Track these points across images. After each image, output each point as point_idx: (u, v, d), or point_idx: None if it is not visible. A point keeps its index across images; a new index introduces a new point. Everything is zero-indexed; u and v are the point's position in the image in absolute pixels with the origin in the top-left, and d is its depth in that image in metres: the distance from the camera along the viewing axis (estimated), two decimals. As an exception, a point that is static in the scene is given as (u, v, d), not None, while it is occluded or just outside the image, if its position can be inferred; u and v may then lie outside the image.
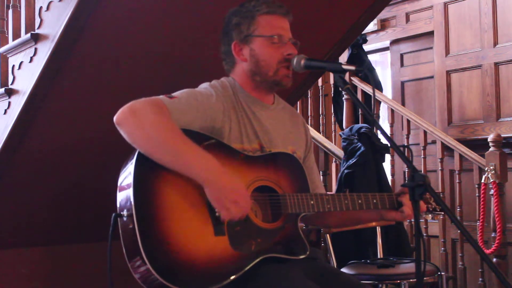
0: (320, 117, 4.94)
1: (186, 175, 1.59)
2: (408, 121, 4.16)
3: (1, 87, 2.45)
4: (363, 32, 4.42)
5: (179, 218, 1.58)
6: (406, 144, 4.12)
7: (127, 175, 1.60)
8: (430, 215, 2.00)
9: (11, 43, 2.44)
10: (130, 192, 1.55)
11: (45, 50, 2.15)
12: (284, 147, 1.88)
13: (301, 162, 1.94)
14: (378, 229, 3.19)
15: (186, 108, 1.69)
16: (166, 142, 1.58)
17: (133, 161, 1.58)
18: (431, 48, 5.12)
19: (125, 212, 1.57)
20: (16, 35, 2.48)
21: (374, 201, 1.85)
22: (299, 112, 2.13)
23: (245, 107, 1.84)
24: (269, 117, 1.89)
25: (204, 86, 1.84)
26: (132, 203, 1.53)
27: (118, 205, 1.62)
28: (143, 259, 1.49)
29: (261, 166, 1.77)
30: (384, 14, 5.27)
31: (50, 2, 2.16)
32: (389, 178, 4.06)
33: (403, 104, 5.23)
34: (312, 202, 1.77)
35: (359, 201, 1.83)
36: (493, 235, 3.57)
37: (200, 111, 1.71)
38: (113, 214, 1.59)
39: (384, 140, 3.74)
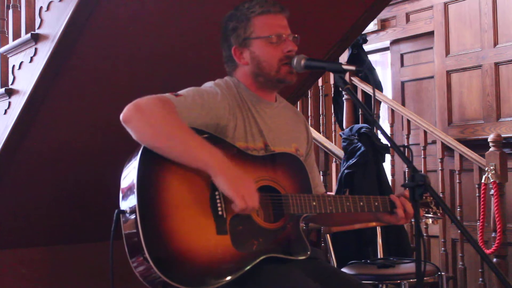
0: (320, 117, 4.94)
1: (195, 168, 1.59)
2: (408, 121, 4.15)
3: (1, 87, 2.45)
4: (363, 32, 4.42)
5: (182, 216, 1.58)
6: (406, 144, 4.12)
7: (131, 171, 1.60)
8: (430, 219, 2.00)
9: (11, 43, 2.44)
10: (134, 188, 1.55)
11: (45, 50, 2.16)
12: (288, 144, 1.89)
13: (303, 159, 1.95)
14: (378, 229, 3.18)
15: (191, 106, 1.69)
16: (174, 136, 1.59)
17: (138, 156, 1.59)
18: (431, 48, 5.12)
19: (128, 209, 1.57)
20: (16, 35, 2.48)
21: (376, 203, 1.86)
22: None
23: (250, 106, 1.85)
24: (273, 115, 1.90)
25: (208, 85, 1.85)
26: (136, 199, 1.53)
27: (121, 201, 1.62)
28: (145, 256, 1.49)
29: (264, 166, 1.77)
30: (384, 14, 5.26)
31: (50, 2, 2.16)
32: (389, 178, 4.06)
33: (403, 104, 5.23)
34: (314, 203, 1.77)
35: (361, 203, 1.84)
36: (493, 235, 3.57)
37: (205, 109, 1.72)
38: (116, 210, 1.59)
39: (384, 140, 3.75)
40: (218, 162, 1.59)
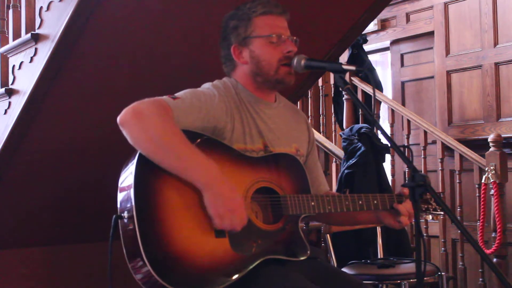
0: (321, 117, 4.94)
1: (185, 179, 1.59)
2: (409, 121, 4.15)
3: (2, 87, 2.45)
4: (363, 32, 4.42)
5: (180, 219, 1.57)
6: (406, 144, 4.12)
7: (128, 176, 1.60)
8: (430, 215, 2.00)
9: (12, 43, 2.44)
10: (131, 193, 1.55)
11: (45, 50, 2.15)
12: (288, 145, 1.89)
13: (304, 159, 1.94)
14: (378, 229, 3.19)
15: (189, 109, 1.69)
16: (168, 145, 1.58)
17: (134, 161, 1.58)
18: (431, 48, 5.12)
19: (125, 214, 1.56)
20: (17, 35, 2.48)
21: (375, 201, 1.85)
22: (299, 112, 2.14)
23: (249, 107, 1.84)
24: (272, 115, 1.89)
25: (206, 86, 1.84)
26: (133, 204, 1.53)
27: (118, 206, 1.61)
28: (143, 261, 1.49)
29: (262, 167, 1.76)
30: (384, 14, 5.26)
31: (50, 2, 2.16)
32: (389, 178, 4.06)
33: (403, 104, 5.23)
34: (313, 203, 1.77)
35: (360, 202, 1.83)
36: (493, 235, 3.57)
37: (203, 111, 1.71)
38: (114, 216, 1.59)
39: (384, 140, 3.74)
40: (206, 178, 1.58)
